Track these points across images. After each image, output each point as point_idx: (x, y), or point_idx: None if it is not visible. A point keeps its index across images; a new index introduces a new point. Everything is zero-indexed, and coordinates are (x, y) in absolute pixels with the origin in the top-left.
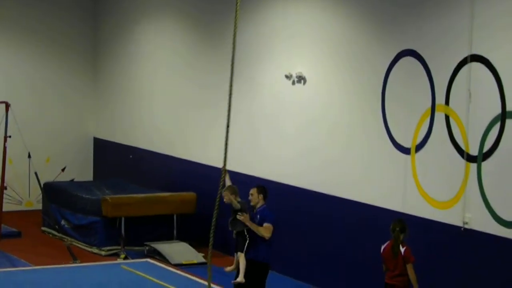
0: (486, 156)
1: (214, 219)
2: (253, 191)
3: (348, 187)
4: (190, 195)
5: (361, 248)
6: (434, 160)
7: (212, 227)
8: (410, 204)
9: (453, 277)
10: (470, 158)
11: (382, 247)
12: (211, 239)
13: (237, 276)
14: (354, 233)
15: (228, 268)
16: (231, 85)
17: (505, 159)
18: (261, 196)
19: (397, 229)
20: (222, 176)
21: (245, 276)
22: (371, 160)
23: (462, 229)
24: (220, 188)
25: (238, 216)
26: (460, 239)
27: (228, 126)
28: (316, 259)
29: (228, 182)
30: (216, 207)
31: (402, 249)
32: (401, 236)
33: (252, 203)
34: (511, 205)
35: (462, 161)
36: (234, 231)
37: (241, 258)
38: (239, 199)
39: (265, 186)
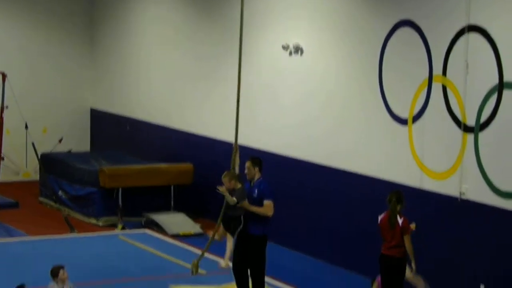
0: (483, 127)
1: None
2: (248, 164)
3: (345, 158)
4: (187, 166)
5: (358, 219)
6: (431, 130)
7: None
8: (407, 175)
9: (449, 247)
10: (467, 129)
11: (379, 218)
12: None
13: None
14: (352, 204)
15: (223, 264)
16: (240, 59)
17: (502, 130)
18: (256, 168)
19: (394, 199)
20: (233, 153)
21: (245, 249)
22: (368, 131)
23: (458, 199)
24: (232, 161)
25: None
26: (457, 209)
27: (238, 101)
28: (313, 230)
29: (237, 160)
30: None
31: (400, 220)
32: (398, 207)
33: (248, 177)
34: (508, 175)
35: (459, 132)
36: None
37: (230, 241)
38: (239, 185)
39: (259, 158)
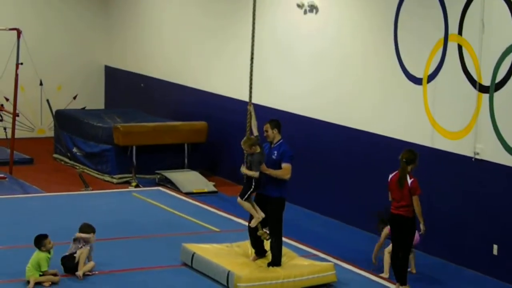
0: (498, 87)
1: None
2: (267, 127)
3: (360, 118)
4: (201, 124)
5: (375, 179)
6: (446, 90)
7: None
8: (422, 135)
9: (463, 207)
10: (482, 89)
11: (390, 177)
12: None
13: (251, 219)
14: (367, 164)
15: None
16: (253, 17)
17: None
18: (275, 130)
19: (404, 160)
20: (248, 116)
21: (262, 211)
22: (383, 90)
23: (473, 159)
24: (247, 126)
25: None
26: (471, 169)
27: (252, 59)
28: (330, 190)
29: (254, 123)
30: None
31: (410, 180)
32: (409, 168)
33: (268, 140)
34: None
35: (474, 92)
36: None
37: (242, 203)
38: (258, 149)
39: (278, 119)
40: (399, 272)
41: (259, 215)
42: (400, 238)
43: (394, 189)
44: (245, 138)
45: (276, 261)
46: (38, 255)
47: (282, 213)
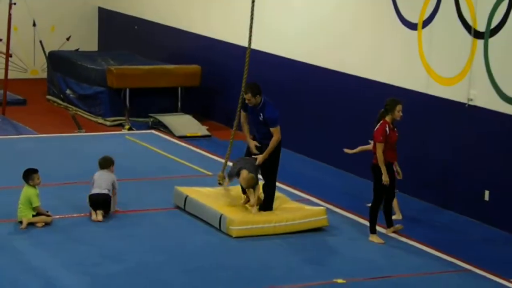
0: (493, 33)
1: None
2: (248, 96)
3: (355, 63)
4: (194, 67)
5: (367, 125)
6: (441, 36)
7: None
8: (416, 81)
9: (455, 153)
10: (477, 35)
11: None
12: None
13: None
14: (359, 110)
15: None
16: None
17: None
18: (257, 96)
19: (383, 109)
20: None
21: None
22: (377, 35)
23: (466, 105)
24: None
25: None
26: (464, 115)
27: (253, 2)
28: (322, 135)
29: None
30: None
31: (377, 127)
32: (387, 117)
33: (251, 105)
34: None
35: (469, 37)
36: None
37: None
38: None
39: (256, 84)
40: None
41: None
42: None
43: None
44: (249, 176)
45: (267, 205)
46: (27, 191)
47: (278, 159)
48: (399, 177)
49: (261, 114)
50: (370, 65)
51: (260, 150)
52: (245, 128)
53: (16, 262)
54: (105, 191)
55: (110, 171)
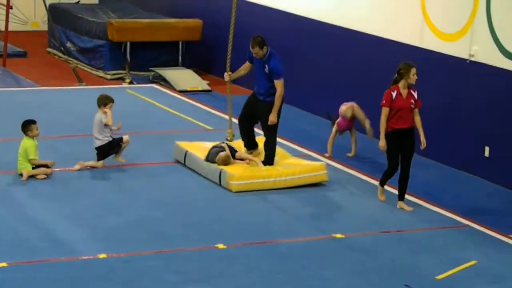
0: None
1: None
2: (256, 50)
3: (356, 18)
4: (196, 21)
5: (367, 80)
6: None
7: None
8: (417, 36)
9: (456, 109)
10: None
11: None
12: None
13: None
14: (361, 65)
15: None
16: None
17: None
18: (264, 48)
19: (395, 75)
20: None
21: (258, 110)
22: None
23: (467, 61)
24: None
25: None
26: (465, 71)
27: None
28: (323, 90)
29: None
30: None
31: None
32: (401, 82)
33: (258, 58)
34: None
35: None
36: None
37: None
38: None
39: (260, 36)
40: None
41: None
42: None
43: None
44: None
45: (269, 160)
46: (24, 143)
47: (279, 115)
48: (422, 146)
49: (266, 66)
50: (370, 19)
51: (257, 105)
52: (238, 72)
53: (15, 214)
54: (96, 140)
55: (101, 111)
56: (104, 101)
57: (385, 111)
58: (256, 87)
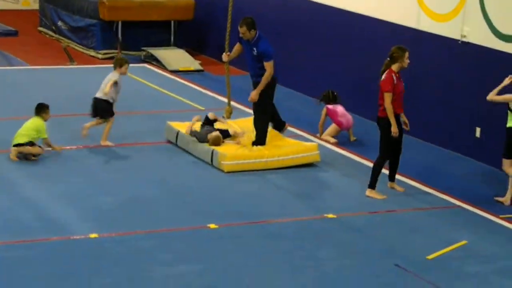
0: None
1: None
2: (244, 30)
3: None
4: (188, 1)
5: (358, 63)
6: None
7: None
8: (409, 16)
9: (447, 90)
10: None
11: None
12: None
13: None
14: (355, 46)
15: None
16: None
17: None
18: (252, 31)
19: (388, 58)
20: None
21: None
22: None
23: (459, 42)
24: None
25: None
26: (457, 52)
27: None
28: (315, 71)
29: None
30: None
31: (383, 77)
32: (393, 66)
33: (245, 39)
34: (510, 18)
35: None
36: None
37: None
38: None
39: (251, 17)
40: (371, 175)
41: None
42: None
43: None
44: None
45: (259, 140)
46: (38, 122)
47: (269, 94)
48: (407, 128)
49: (255, 49)
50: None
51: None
52: (233, 54)
53: (8, 193)
54: (100, 95)
55: (116, 72)
56: (120, 62)
57: (390, 96)
58: (248, 69)
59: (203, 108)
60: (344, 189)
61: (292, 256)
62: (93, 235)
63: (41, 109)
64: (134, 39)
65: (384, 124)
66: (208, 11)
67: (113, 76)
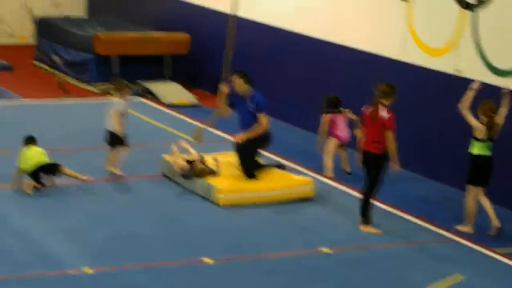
0: (483, 3)
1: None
2: (239, 81)
3: (340, 32)
4: (183, 35)
5: (351, 96)
6: (430, 5)
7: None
8: (403, 50)
9: (441, 124)
10: (467, 5)
11: (364, 109)
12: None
13: None
14: (346, 79)
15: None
16: None
17: (503, 8)
18: (248, 85)
19: (377, 93)
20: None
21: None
22: (365, 2)
23: (453, 77)
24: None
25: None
26: (451, 86)
27: None
28: (308, 103)
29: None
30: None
31: (386, 116)
32: (385, 101)
33: (238, 91)
34: (505, 53)
35: (457, 8)
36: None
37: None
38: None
39: (246, 72)
40: (361, 210)
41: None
42: (368, 174)
43: (367, 123)
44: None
45: (248, 175)
46: (37, 149)
47: (257, 146)
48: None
49: (251, 106)
50: (356, 33)
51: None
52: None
53: (1, 227)
54: (108, 127)
55: (119, 97)
56: (119, 86)
57: (393, 135)
58: (241, 127)
59: (199, 141)
60: (339, 223)
61: None
62: (88, 270)
63: (33, 140)
64: (129, 72)
65: (380, 160)
66: (203, 46)
67: (115, 105)
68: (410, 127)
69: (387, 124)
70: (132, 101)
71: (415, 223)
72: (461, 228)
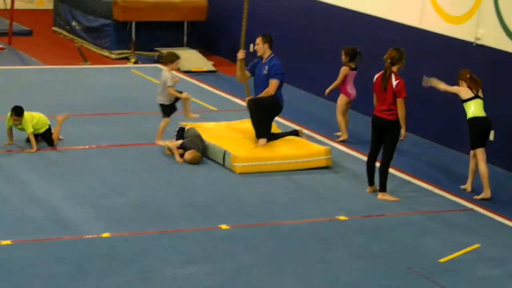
0: None
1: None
2: (258, 40)
3: (361, 0)
4: (201, 1)
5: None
6: None
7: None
8: (424, 19)
9: None
10: None
11: (375, 77)
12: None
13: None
14: (369, 48)
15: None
16: None
17: None
18: (266, 45)
19: (388, 60)
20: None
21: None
22: None
23: (473, 44)
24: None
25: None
26: (471, 54)
27: None
28: (328, 73)
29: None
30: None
31: (395, 82)
32: (394, 68)
33: (258, 54)
34: None
35: None
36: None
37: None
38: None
39: (270, 35)
40: (380, 178)
41: None
42: (380, 141)
43: (378, 90)
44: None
45: (260, 133)
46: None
47: (270, 112)
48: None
49: (267, 67)
50: (376, 1)
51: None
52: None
53: (21, 193)
54: (158, 96)
55: (166, 70)
56: (171, 57)
57: (404, 102)
58: (255, 91)
59: (216, 109)
60: (355, 191)
61: (302, 258)
62: (105, 235)
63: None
64: (148, 39)
65: (395, 127)
66: (221, 12)
67: (165, 79)
68: (429, 94)
69: (400, 91)
70: (150, 68)
71: (431, 191)
72: (479, 197)
